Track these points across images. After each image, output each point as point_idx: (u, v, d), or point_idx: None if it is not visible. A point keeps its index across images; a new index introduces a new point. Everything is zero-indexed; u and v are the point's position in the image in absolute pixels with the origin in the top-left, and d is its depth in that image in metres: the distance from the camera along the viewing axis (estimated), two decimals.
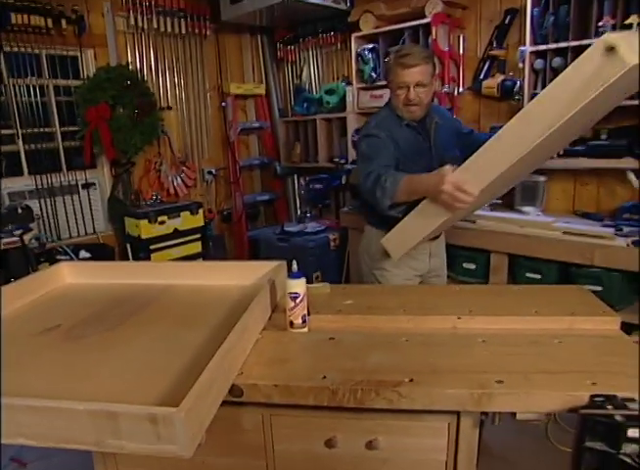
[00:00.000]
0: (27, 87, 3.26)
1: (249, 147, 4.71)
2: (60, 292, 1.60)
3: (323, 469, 1.11)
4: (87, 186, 3.64)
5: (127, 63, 3.65)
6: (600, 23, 2.51)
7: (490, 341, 1.16)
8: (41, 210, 3.36)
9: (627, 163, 2.56)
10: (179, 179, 4.12)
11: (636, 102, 2.46)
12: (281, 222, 4.27)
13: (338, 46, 3.96)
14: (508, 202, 2.93)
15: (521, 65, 2.78)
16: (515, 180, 2.16)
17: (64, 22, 3.22)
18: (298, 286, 1.24)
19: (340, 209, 3.75)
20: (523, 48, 2.76)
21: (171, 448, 0.75)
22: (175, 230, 3.65)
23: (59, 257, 3.11)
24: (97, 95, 3.34)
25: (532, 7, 2.68)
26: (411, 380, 0.99)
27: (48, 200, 3.41)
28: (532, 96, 2.78)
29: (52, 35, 3.23)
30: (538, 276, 2.56)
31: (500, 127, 1.52)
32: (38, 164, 3.35)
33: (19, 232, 2.70)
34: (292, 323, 1.26)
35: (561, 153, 2.57)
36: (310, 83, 4.27)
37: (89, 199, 3.66)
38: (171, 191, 4.07)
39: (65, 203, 3.51)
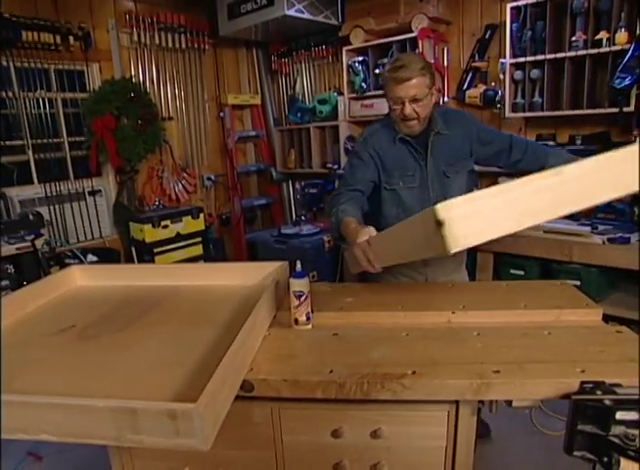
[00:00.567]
0: (37, 100, 3.22)
1: (246, 154, 4.69)
2: (72, 294, 1.57)
3: (330, 458, 1.10)
4: (93, 193, 3.60)
5: (131, 76, 3.62)
6: (573, 38, 2.55)
7: (484, 333, 1.16)
8: (50, 216, 3.32)
9: None
10: (180, 185, 4.10)
11: (607, 110, 2.49)
12: (277, 225, 4.25)
13: (329, 59, 3.95)
14: None
15: (501, 76, 2.80)
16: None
17: (71, 38, 3.20)
18: (303, 285, 1.23)
19: None
20: (503, 60, 2.78)
21: (190, 442, 0.74)
22: (178, 234, 3.63)
23: (68, 260, 3.07)
24: (102, 107, 3.31)
25: (512, 22, 2.71)
26: (414, 372, 0.98)
27: (56, 206, 3.37)
28: (513, 105, 2.81)
29: (60, 51, 3.20)
30: (522, 272, 2.57)
31: None
32: (47, 173, 3.31)
33: (30, 237, 2.66)
34: (296, 320, 1.25)
35: None
36: (304, 94, 4.26)
37: (95, 205, 3.63)
38: (173, 197, 4.05)
39: (72, 209, 3.47)
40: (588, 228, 2.40)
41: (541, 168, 1.48)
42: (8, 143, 3.13)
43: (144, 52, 3.74)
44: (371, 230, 1.30)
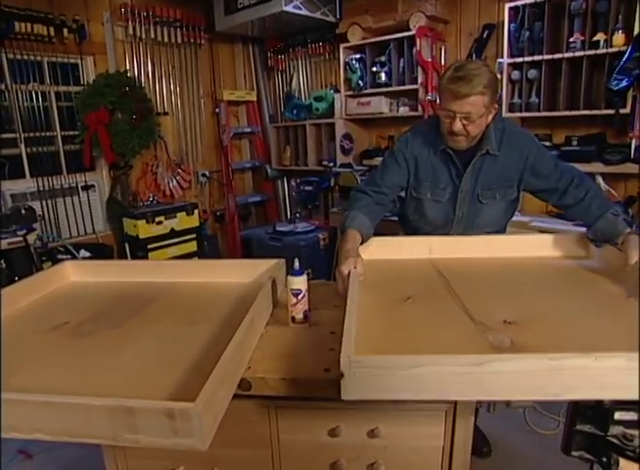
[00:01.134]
0: (30, 93, 3.19)
1: (241, 151, 4.67)
2: (65, 290, 1.55)
3: (326, 457, 1.09)
4: (87, 188, 3.58)
5: (126, 70, 3.59)
6: (571, 39, 2.56)
7: None
8: (42, 211, 3.29)
9: (596, 167, 2.60)
10: (175, 181, 4.08)
11: (603, 112, 2.50)
12: (271, 222, 4.24)
13: (326, 56, 3.94)
14: None
15: (499, 75, 2.80)
16: None
17: (65, 30, 3.17)
18: (300, 283, 1.22)
19: (329, 209, 3.74)
20: (501, 60, 2.78)
21: (188, 442, 0.73)
22: (172, 230, 3.61)
23: (60, 256, 3.04)
24: (96, 100, 3.28)
25: (510, 23, 2.71)
26: None
27: (49, 201, 3.34)
28: (510, 105, 2.81)
29: (54, 43, 3.17)
30: None
31: None
32: (40, 167, 3.28)
33: (22, 232, 2.63)
34: (293, 318, 1.24)
35: None
36: (300, 91, 4.25)
37: (88, 200, 3.60)
38: (167, 192, 4.02)
39: (65, 204, 3.45)
40: (583, 228, 2.41)
41: (586, 225, 1.47)
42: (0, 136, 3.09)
43: (139, 46, 3.70)
44: (357, 262, 1.29)
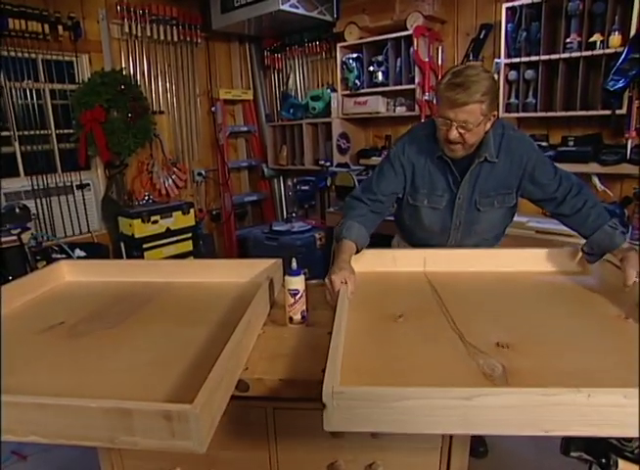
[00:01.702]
0: (24, 90, 3.16)
1: (237, 150, 4.66)
2: (60, 290, 1.54)
3: (324, 458, 1.09)
4: (82, 187, 3.55)
5: (121, 68, 3.57)
6: (568, 40, 2.56)
7: None
8: (37, 209, 3.27)
9: (592, 168, 2.61)
10: (170, 180, 4.06)
11: (599, 112, 2.51)
12: (267, 222, 4.23)
13: (323, 55, 3.94)
14: None
15: (496, 75, 2.80)
16: None
17: (60, 28, 3.15)
18: (298, 283, 1.22)
19: (325, 209, 3.73)
20: (498, 60, 2.78)
21: (186, 444, 0.72)
22: (167, 229, 3.60)
23: (54, 255, 3.02)
24: (92, 99, 3.26)
25: (507, 23, 2.71)
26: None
27: (44, 200, 3.32)
28: (507, 105, 2.82)
29: (48, 41, 3.14)
30: None
31: None
32: (34, 166, 3.26)
33: (16, 231, 2.61)
34: (291, 319, 1.23)
35: None
36: (296, 90, 4.24)
37: (83, 199, 3.58)
38: (163, 192, 4.01)
39: (60, 203, 3.42)
40: None
41: (582, 236, 1.43)
42: None
43: (135, 44, 3.68)
44: (349, 278, 1.26)
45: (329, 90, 3.80)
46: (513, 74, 2.76)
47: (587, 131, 2.74)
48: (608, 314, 1.16)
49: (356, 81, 3.48)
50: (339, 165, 3.67)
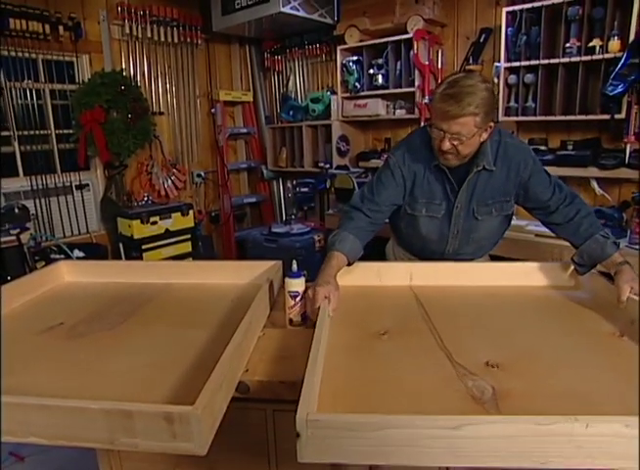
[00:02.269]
0: (24, 90, 3.16)
1: (236, 151, 4.66)
2: (59, 290, 1.53)
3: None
4: (81, 187, 3.55)
5: (121, 69, 3.57)
6: (567, 44, 2.57)
7: None
8: (36, 210, 3.26)
9: (591, 172, 2.62)
10: (170, 181, 4.06)
11: (598, 117, 2.52)
12: (266, 224, 4.23)
13: (323, 57, 3.95)
14: None
15: (496, 79, 2.81)
16: None
17: (61, 28, 3.15)
18: (298, 285, 1.22)
19: (324, 211, 3.73)
20: (498, 64, 2.79)
21: (187, 446, 0.72)
22: (167, 230, 3.59)
23: (53, 255, 3.01)
24: (92, 99, 3.26)
25: (507, 27, 2.72)
26: None
27: (43, 200, 3.31)
28: (506, 108, 2.83)
29: (49, 41, 3.15)
30: None
31: None
32: (33, 166, 3.25)
33: (16, 231, 2.61)
34: (291, 321, 1.23)
35: None
36: (296, 92, 4.24)
37: (83, 199, 3.57)
38: (162, 193, 4.00)
39: (59, 203, 3.42)
40: None
41: (573, 245, 1.41)
42: None
43: (135, 45, 3.69)
44: (332, 294, 1.22)
45: (329, 92, 3.81)
46: (512, 78, 2.77)
47: (586, 136, 2.75)
48: (601, 331, 1.13)
49: (356, 84, 3.48)
50: (338, 168, 3.67)
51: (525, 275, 1.47)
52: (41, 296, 1.46)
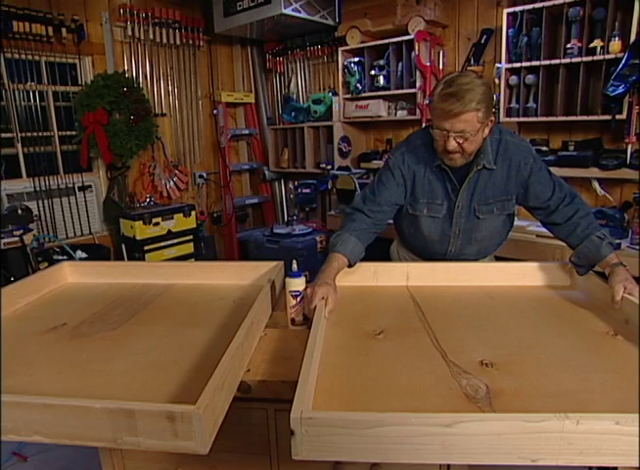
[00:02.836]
0: (27, 92, 3.17)
1: (238, 152, 4.67)
2: (62, 291, 1.54)
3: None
4: (84, 188, 3.56)
5: (124, 70, 3.58)
6: (568, 45, 2.57)
7: None
8: (39, 211, 3.27)
9: (592, 172, 2.62)
10: (172, 182, 4.07)
11: (600, 117, 2.52)
12: (268, 225, 4.24)
13: (325, 58, 3.95)
14: None
15: (497, 80, 2.82)
16: None
17: (64, 30, 3.16)
18: (299, 284, 1.23)
19: (326, 212, 3.74)
20: (499, 65, 2.79)
21: (189, 445, 0.72)
22: (169, 231, 3.60)
23: (56, 256, 3.02)
24: (94, 101, 3.27)
25: (508, 28, 2.73)
26: None
27: (46, 201, 3.33)
28: (507, 109, 2.83)
29: (52, 43, 3.16)
30: None
31: None
32: (36, 167, 3.27)
33: (19, 232, 2.62)
34: (293, 320, 1.24)
35: None
36: (298, 93, 4.25)
37: (85, 201, 3.59)
38: (164, 194, 4.01)
39: (62, 204, 3.43)
40: None
41: (570, 245, 1.41)
42: None
43: (137, 47, 3.70)
44: (329, 295, 1.22)
45: (330, 94, 3.82)
46: (514, 79, 2.77)
47: (587, 136, 2.76)
48: (596, 330, 1.14)
49: (358, 85, 3.49)
50: (340, 169, 3.68)
51: (521, 275, 1.47)
52: (44, 296, 1.47)
